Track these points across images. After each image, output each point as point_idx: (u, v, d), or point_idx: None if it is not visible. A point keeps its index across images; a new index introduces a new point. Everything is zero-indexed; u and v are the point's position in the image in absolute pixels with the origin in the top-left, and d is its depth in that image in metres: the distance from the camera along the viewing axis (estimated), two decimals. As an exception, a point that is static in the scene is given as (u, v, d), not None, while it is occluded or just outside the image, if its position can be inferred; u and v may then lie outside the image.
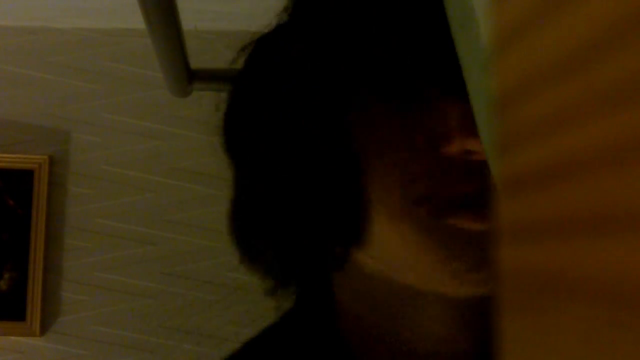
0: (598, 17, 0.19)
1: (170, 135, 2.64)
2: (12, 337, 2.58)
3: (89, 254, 2.62)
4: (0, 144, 2.63)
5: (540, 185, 0.22)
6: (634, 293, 0.17)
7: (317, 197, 0.72)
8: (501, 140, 0.25)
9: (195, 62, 1.34)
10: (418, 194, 0.66)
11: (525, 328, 0.23)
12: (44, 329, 2.59)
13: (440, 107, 0.66)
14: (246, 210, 0.82)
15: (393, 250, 0.70)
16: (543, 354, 0.22)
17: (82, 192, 2.64)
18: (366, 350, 0.75)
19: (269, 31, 0.76)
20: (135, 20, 1.39)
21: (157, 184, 2.65)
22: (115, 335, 2.57)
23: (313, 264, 0.78)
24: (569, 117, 0.20)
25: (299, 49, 0.71)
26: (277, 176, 0.74)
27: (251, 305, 2.31)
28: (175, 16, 1.11)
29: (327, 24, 0.70)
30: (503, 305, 0.24)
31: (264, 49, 0.76)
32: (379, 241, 0.70)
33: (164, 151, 2.64)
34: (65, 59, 2.67)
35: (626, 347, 0.18)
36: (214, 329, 2.50)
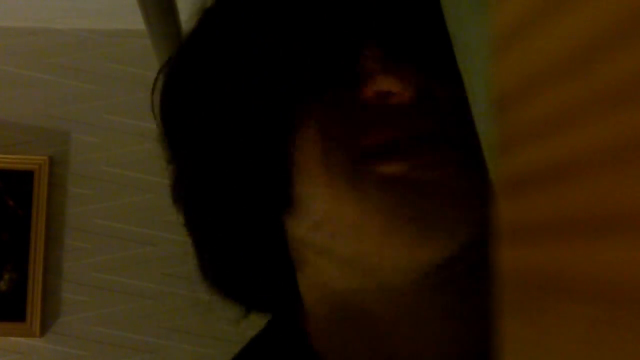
0: (598, 18, 0.19)
1: (170, 136, 2.64)
2: (12, 338, 2.58)
3: (88, 254, 2.62)
4: (0, 145, 2.63)
5: (540, 186, 0.22)
6: (633, 293, 0.17)
7: (244, 162, 0.69)
8: (501, 140, 0.25)
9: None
10: (338, 144, 0.63)
11: (525, 328, 0.23)
12: (44, 329, 2.59)
13: (360, 53, 0.64)
14: (186, 185, 0.81)
15: (327, 211, 0.65)
16: (543, 354, 0.22)
17: (82, 192, 2.64)
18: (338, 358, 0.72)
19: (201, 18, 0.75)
20: (136, 21, 1.39)
21: (157, 184, 2.65)
22: (115, 335, 2.57)
23: (258, 240, 0.73)
24: (568, 118, 0.21)
25: (222, 30, 0.70)
26: (209, 145, 0.72)
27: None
28: (175, 17, 1.11)
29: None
30: (503, 305, 0.24)
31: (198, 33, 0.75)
32: (311, 205, 0.66)
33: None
34: (65, 60, 2.67)
35: (626, 346, 0.18)
36: (214, 329, 2.50)
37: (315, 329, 0.73)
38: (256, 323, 0.84)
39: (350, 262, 0.66)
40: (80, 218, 2.63)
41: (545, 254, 0.22)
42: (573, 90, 0.20)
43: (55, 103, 2.65)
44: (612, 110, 0.18)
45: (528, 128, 0.23)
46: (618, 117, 0.18)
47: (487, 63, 0.49)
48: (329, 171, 0.63)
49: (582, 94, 0.20)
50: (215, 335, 2.50)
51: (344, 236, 0.65)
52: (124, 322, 2.57)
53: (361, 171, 0.62)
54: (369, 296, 0.68)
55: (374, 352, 0.69)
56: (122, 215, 2.64)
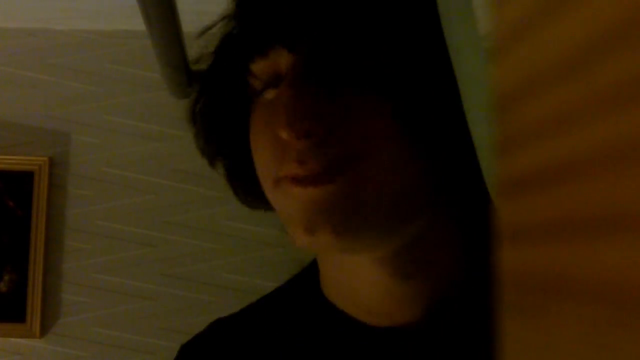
0: (598, 19, 0.19)
1: (170, 137, 2.64)
2: (12, 339, 2.58)
3: (89, 255, 2.62)
4: (1, 146, 2.63)
5: (540, 187, 0.22)
6: (634, 293, 0.17)
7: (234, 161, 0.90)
8: (501, 141, 0.25)
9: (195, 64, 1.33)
10: (266, 171, 0.79)
11: (526, 329, 0.23)
12: (44, 330, 2.59)
13: (279, 96, 0.77)
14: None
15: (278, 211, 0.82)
16: (544, 354, 0.22)
17: (82, 193, 2.64)
18: (339, 298, 0.86)
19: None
20: (136, 21, 1.39)
21: (157, 185, 2.65)
22: (115, 336, 2.57)
23: None
24: (568, 119, 0.21)
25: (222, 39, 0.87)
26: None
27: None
28: (175, 17, 1.11)
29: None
30: (504, 306, 0.24)
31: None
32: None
33: (164, 153, 2.64)
34: (65, 61, 2.67)
35: (627, 347, 0.18)
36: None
37: (322, 275, 0.89)
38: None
39: None
40: (80, 219, 2.63)
41: (546, 255, 0.22)
42: (572, 92, 0.20)
43: (55, 104, 2.65)
44: (612, 111, 0.18)
45: (528, 129, 0.23)
46: (617, 118, 0.18)
47: (482, 69, 0.49)
48: (264, 187, 0.82)
49: (582, 95, 0.20)
50: (215, 336, 2.49)
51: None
52: (124, 323, 2.57)
53: (279, 193, 0.80)
54: None
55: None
56: (122, 216, 2.64)
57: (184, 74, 1.25)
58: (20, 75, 2.67)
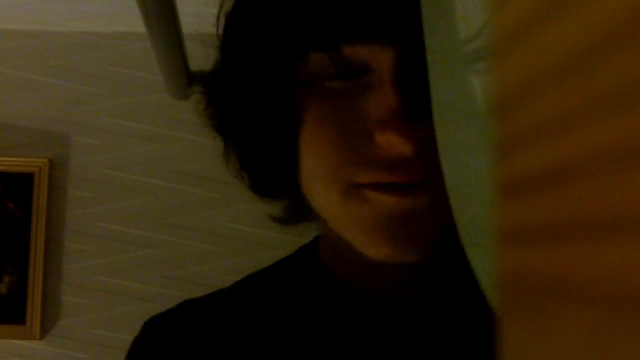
0: (597, 21, 0.19)
1: (170, 139, 2.64)
2: (12, 341, 2.58)
3: (88, 257, 2.62)
4: (0, 147, 2.63)
5: (539, 188, 0.22)
6: (633, 296, 0.17)
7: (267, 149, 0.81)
8: (500, 143, 0.25)
9: (195, 65, 1.34)
10: (332, 174, 0.74)
11: (524, 331, 0.23)
12: (44, 332, 2.59)
13: (376, 96, 0.71)
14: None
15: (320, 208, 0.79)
16: (543, 356, 0.22)
17: (82, 195, 2.64)
18: (340, 271, 0.84)
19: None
20: (136, 23, 1.39)
21: (157, 187, 2.65)
22: (116, 338, 2.57)
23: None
24: (568, 121, 0.21)
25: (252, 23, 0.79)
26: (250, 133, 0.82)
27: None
28: (175, 19, 1.11)
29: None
30: (503, 308, 0.24)
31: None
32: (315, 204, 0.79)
33: (164, 154, 2.64)
34: (65, 63, 2.67)
35: (626, 349, 0.18)
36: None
37: (323, 244, 0.89)
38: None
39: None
40: (80, 221, 2.63)
41: (545, 257, 0.22)
42: (571, 94, 0.20)
43: (55, 105, 2.65)
44: (611, 113, 0.18)
45: (527, 131, 0.23)
46: (616, 121, 0.18)
47: (460, 75, 0.49)
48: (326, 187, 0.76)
49: (581, 98, 0.20)
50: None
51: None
52: (124, 324, 2.57)
53: (351, 199, 0.76)
54: None
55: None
56: (122, 217, 2.64)
57: (183, 75, 1.25)
58: (20, 76, 2.67)
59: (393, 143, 0.70)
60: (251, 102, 0.80)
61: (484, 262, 0.50)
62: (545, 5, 0.21)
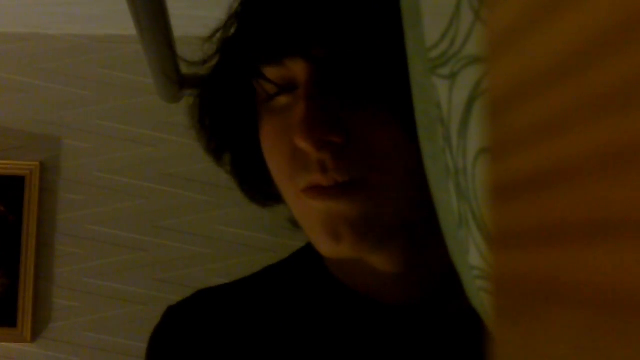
0: (589, 24, 0.19)
1: (161, 142, 2.64)
2: (3, 344, 2.58)
3: (80, 260, 2.62)
4: (-9, 150, 2.62)
5: (531, 191, 0.22)
6: (625, 298, 0.17)
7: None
8: (492, 146, 0.25)
9: (186, 68, 1.33)
10: (286, 181, 0.80)
11: (517, 333, 0.23)
12: (35, 335, 2.58)
13: (295, 105, 0.77)
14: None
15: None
16: (535, 358, 0.22)
17: (73, 198, 2.63)
18: (345, 275, 0.88)
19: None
20: (127, 26, 1.39)
21: (148, 190, 2.64)
22: (107, 341, 2.56)
23: None
24: (559, 124, 0.21)
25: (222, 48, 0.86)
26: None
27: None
28: (166, 22, 1.11)
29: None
30: (496, 310, 0.24)
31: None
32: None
33: (155, 157, 2.64)
34: (56, 66, 2.66)
35: (617, 352, 0.18)
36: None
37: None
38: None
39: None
40: (71, 223, 2.62)
41: (537, 260, 0.22)
42: (564, 97, 0.20)
43: (46, 109, 2.65)
44: (603, 116, 0.19)
45: (519, 134, 0.23)
46: (609, 123, 0.18)
47: (427, 82, 0.50)
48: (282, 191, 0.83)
49: (573, 100, 0.20)
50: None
51: None
52: (115, 327, 2.57)
53: (300, 200, 0.80)
54: None
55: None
56: (113, 220, 2.63)
57: (175, 78, 1.25)
58: (11, 79, 2.67)
59: (305, 149, 0.75)
60: (224, 116, 0.88)
61: (461, 256, 0.51)
62: (537, 9, 0.22)
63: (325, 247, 0.78)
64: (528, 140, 0.22)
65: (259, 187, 0.89)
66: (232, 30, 0.85)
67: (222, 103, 0.88)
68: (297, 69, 0.77)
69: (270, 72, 0.79)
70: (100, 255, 2.62)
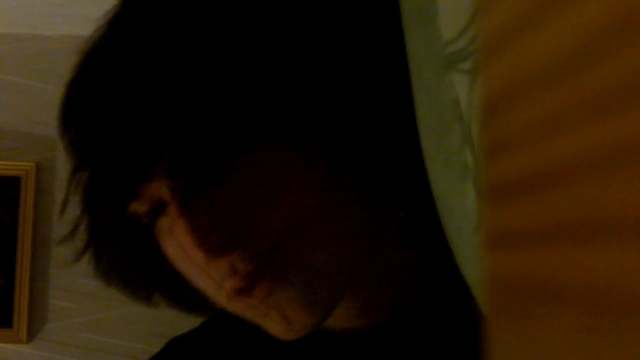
0: (585, 25, 0.19)
1: (157, 142, 2.64)
2: (-1, 345, 2.58)
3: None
4: (-13, 151, 2.62)
5: (526, 192, 0.22)
6: (620, 300, 0.17)
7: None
8: (487, 147, 0.25)
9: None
10: (212, 295, 0.75)
11: (512, 334, 0.23)
12: (31, 336, 2.58)
13: (175, 231, 0.73)
14: None
15: None
16: (530, 359, 0.22)
17: (69, 198, 2.63)
18: None
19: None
20: (122, 26, 1.38)
21: (144, 190, 2.64)
22: (103, 342, 2.56)
23: None
24: (555, 124, 0.21)
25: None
26: None
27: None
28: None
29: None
30: (490, 311, 0.24)
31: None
32: None
33: (151, 158, 2.64)
34: (51, 66, 2.66)
35: (612, 352, 0.18)
36: (201, 335, 2.48)
37: None
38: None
39: None
40: (67, 224, 2.62)
41: (532, 260, 0.22)
42: (559, 97, 0.20)
43: (42, 109, 2.64)
44: (599, 117, 0.19)
45: (515, 134, 0.23)
46: (604, 124, 0.18)
47: (441, 79, 0.49)
48: None
49: (569, 101, 0.20)
50: (203, 341, 2.48)
51: None
52: (111, 328, 2.56)
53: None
54: None
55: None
56: (109, 221, 2.63)
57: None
58: (7, 80, 2.66)
59: (206, 264, 0.72)
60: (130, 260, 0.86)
61: (469, 264, 0.50)
62: (533, 9, 0.22)
63: (282, 335, 0.74)
64: (523, 141, 0.22)
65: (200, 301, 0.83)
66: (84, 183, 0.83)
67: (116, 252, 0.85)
68: (156, 190, 0.72)
69: (137, 205, 0.74)
70: (96, 256, 2.61)
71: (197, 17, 0.72)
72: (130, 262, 0.85)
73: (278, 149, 0.71)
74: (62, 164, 2.63)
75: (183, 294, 0.84)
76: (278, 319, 0.72)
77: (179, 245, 0.73)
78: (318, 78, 0.70)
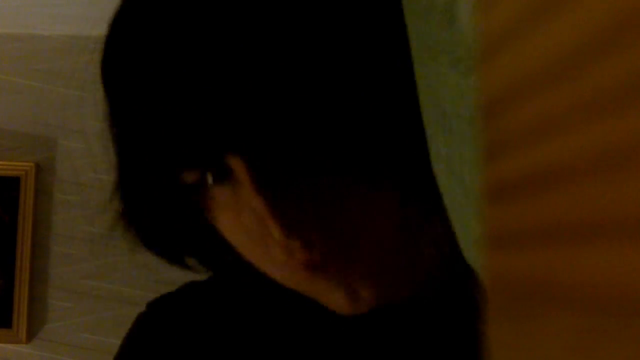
0: (584, 25, 0.19)
1: (156, 142, 2.64)
2: (-2, 345, 2.58)
3: (75, 260, 2.61)
4: (-14, 151, 2.62)
5: (527, 192, 0.22)
6: (620, 299, 0.17)
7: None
8: (487, 147, 0.25)
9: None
10: (271, 266, 0.75)
11: (512, 335, 0.23)
12: (31, 336, 2.58)
13: (250, 205, 0.72)
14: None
15: None
16: (530, 360, 0.22)
17: (68, 199, 2.63)
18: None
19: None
20: (122, 27, 1.38)
21: (143, 190, 2.64)
22: (102, 342, 2.56)
23: None
24: (555, 125, 0.21)
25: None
26: None
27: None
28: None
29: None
30: (490, 311, 0.24)
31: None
32: None
33: (151, 158, 2.64)
34: (51, 66, 2.66)
35: (612, 353, 0.18)
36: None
37: None
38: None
39: None
40: (66, 224, 2.62)
41: (532, 261, 0.22)
42: (559, 97, 0.20)
43: (41, 109, 2.64)
44: (598, 117, 0.19)
45: (514, 135, 0.23)
46: (604, 124, 0.18)
47: (459, 78, 0.49)
48: None
49: (569, 101, 0.20)
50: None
51: None
52: (110, 328, 2.56)
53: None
54: None
55: None
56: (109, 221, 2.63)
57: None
58: (6, 80, 2.66)
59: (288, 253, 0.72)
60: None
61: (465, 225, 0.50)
62: (532, 9, 0.22)
63: (347, 309, 0.75)
64: (523, 141, 0.22)
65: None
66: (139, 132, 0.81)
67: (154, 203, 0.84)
68: (232, 163, 0.71)
69: (193, 174, 0.74)
70: (95, 256, 2.61)
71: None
72: (169, 224, 0.86)
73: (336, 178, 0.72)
74: (61, 164, 2.63)
75: (217, 260, 0.85)
76: (345, 293, 0.73)
77: (254, 216, 0.72)
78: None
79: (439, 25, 0.50)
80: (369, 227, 0.73)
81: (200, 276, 0.97)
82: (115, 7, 0.84)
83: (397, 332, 0.81)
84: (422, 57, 0.53)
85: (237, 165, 0.70)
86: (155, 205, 0.84)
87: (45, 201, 2.62)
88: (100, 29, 0.91)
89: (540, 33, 0.21)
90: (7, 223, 2.57)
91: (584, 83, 0.19)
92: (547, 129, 0.21)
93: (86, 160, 2.64)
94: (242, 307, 0.88)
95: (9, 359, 2.58)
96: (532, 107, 0.22)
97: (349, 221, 0.72)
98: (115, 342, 1.01)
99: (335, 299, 0.75)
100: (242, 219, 0.73)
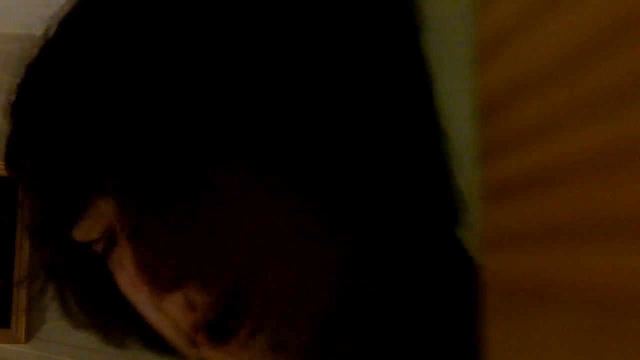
0: (583, 26, 0.19)
1: (156, 142, 2.64)
2: (-3, 345, 2.58)
3: (74, 261, 2.62)
4: (-14, 151, 2.62)
5: (525, 192, 0.22)
6: (618, 299, 0.17)
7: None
8: (485, 147, 0.25)
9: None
10: (174, 338, 0.67)
11: (510, 335, 0.23)
12: (29, 336, 2.58)
13: (127, 264, 0.64)
14: None
15: None
16: (529, 360, 0.22)
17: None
18: None
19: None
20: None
21: (143, 190, 2.64)
22: (101, 342, 2.56)
23: None
24: (553, 125, 0.21)
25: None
26: None
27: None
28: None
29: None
30: (488, 311, 0.24)
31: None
32: None
33: (150, 158, 2.64)
34: (50, 66, 2.66)
35: (610, 353, 0.18)
36: (200, 336, 2.49)
37: None
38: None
39: None
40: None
41: (530, 261, 0.22)
42: (558, 97, 0.20)
43: (41, 109, 2.65)
44: (597, 118, 0.19)
45: (513, 135, 0.23)
46: (603, 124, 0.18)
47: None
48: None
49: (568, 101, 0.20)
50: (202, 342, 2.49)
51: None
52: (109, 328, 2.57)
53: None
54: None
55: None
56: (107, 221, 2.63)
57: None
58: (5, 80, 2.66)
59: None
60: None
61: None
62: (531, 9, 0.22)
63: None
64: (521, 141, 0.22)
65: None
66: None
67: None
68: (106, 213, 0.63)
69: (81, 231, 0.65)
70: (94, 256, 2.62)
71: (142, 26, 0.66)
72: (95, 301, 0.77)
73: (237, 173, 0.60)
74: (60, 164, 2.63)
75: (157, 337, 0.72)
76: None
77: (128, 279, 0.64)
78: (274, 96, 0.60)
79: None
80: (260, 272, 0.61)
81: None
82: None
83: (397, 332, 0.79)
84: None
85: (108, 208, 0.62)
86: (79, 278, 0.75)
87: (44, 201, 2.62)
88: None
89: (540, 33, 0.21)
90: (6, 223, 2.57)
91: (583, 83, 0.19)
92: (547, 129, 0.21)
93: (85, 160, 2.64)
94: None
95: (8, 359, 2.58)
96: (532, 107, 0.22)
97: (235, 259, 0.61)
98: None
99: None
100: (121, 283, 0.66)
